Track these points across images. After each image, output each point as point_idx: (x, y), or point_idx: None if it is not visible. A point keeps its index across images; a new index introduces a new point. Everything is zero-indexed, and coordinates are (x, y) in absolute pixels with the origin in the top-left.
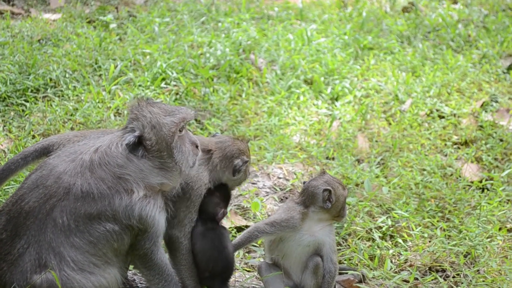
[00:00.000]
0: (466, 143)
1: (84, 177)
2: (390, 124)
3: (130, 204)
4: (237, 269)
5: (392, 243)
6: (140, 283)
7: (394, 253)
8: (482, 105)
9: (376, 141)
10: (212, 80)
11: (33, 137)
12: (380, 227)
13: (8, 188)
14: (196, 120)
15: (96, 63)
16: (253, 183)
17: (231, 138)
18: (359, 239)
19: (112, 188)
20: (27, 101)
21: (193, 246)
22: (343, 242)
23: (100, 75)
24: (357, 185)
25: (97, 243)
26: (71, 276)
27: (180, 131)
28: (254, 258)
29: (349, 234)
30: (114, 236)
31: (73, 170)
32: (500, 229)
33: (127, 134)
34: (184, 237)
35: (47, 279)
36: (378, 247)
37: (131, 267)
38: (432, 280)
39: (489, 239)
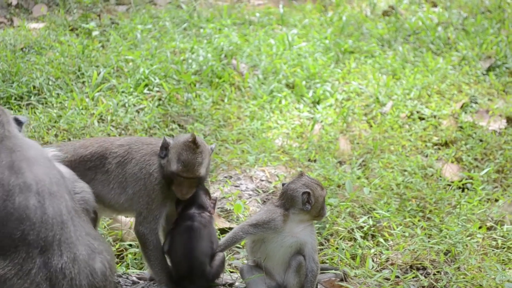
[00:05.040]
0: (446, 144)
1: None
2: (371, 126)
3: None
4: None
5: (373, 243)
6: (125, 285)
7: (375, 252)
8: (462, 107)
9: (358, 143)
10: (195, 85)
11: None
12: (362, 227)
13: None
14: (179, 125)
15: (79, 70)
16: (236, 186)
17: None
18: (341, 239)
19: None
20: (11, 109)
21: (170, 243)
22: (325, 242)
23: (83, 82)
24: (338, 186)
25: None
26: None
27: None
28: (237, 259)
29: (331, 234)
30: None
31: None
32: (480, 227)
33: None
34: (151, 234)
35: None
36: (359, 246)
37: (120, 270)
38: (413, 277)
39: (469, 237)
